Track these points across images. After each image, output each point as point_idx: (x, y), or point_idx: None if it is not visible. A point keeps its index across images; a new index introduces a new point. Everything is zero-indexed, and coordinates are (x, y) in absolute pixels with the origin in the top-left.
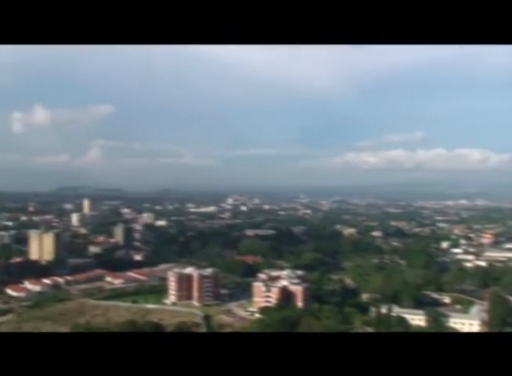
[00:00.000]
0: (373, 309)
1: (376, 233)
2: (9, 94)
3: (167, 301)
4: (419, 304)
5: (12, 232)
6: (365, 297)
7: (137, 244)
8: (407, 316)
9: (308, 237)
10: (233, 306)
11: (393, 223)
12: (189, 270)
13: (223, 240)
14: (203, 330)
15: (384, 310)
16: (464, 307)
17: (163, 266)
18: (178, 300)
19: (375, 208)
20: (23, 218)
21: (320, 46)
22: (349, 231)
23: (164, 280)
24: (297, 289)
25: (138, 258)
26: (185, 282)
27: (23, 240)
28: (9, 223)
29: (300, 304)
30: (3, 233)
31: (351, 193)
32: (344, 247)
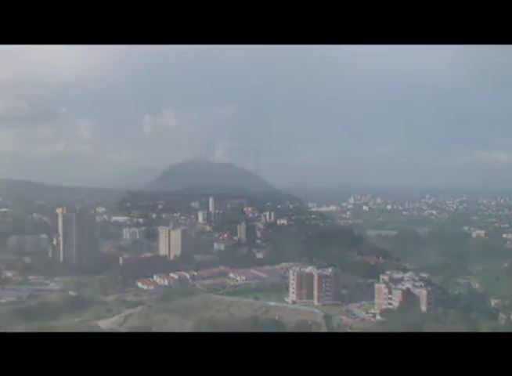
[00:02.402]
0: (502, 316)
1: (507, 236)
2: (138, 94)
3: (288, 299)
4: None
5: (143, 228)
6: (494, 302)
7: (258, 241)
8: None
9: (432, 239)
10: (354, 307)
11: None
12: (309, 269)
13: (344, 240)
14: (324, 329)
15: None
16: None
17: (283, 264)
18: (298, 298)
19: (506, 209)
20: (153, 215)
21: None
22: (478, 233)
23: (284, 278)
24: (421, 292)
25: (259, 255)
26: (305, 281)
27: (152, 236)
28: (140, 220)
29: (423, 308)
30: (135, 229)
31: (480, 192)
32: (471, 249)
